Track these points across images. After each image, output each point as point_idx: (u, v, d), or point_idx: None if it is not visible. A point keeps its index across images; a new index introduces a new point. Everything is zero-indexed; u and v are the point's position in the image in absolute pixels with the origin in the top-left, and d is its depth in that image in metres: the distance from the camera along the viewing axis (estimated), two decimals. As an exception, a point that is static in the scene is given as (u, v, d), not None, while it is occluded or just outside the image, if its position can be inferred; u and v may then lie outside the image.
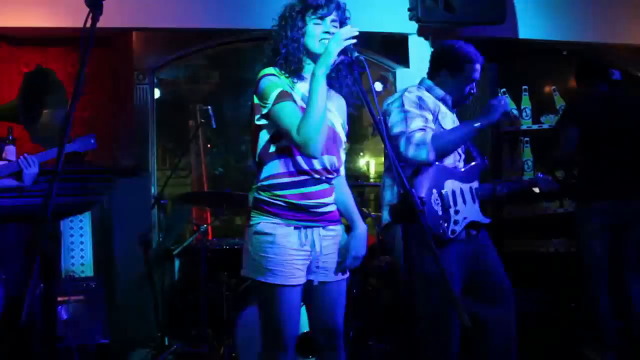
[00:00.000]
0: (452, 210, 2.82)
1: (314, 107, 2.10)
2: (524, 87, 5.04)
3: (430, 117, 2.83)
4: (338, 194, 2.36)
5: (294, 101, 2.18)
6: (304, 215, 2.22)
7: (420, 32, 4.91)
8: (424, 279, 2.66)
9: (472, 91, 2.98)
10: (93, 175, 4.32)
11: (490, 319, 2.90)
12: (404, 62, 5.04)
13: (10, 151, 4.13)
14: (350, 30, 2.11)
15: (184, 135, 6.64)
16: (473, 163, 3.00)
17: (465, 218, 2.85)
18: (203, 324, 3.77)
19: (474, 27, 4.59)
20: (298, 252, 2.21)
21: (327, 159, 2.26)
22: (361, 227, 2.37)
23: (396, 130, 2.80)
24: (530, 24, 4.93)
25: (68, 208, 4.29)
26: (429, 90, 2.96)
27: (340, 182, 2.40)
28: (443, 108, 2.93)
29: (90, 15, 1.90)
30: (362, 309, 4.05)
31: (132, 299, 4.39)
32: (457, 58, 2.93)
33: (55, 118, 4.21)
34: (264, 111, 2.18)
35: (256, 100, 2.22)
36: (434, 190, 2.82)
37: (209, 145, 7.16)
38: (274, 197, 2.21)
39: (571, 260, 4.20)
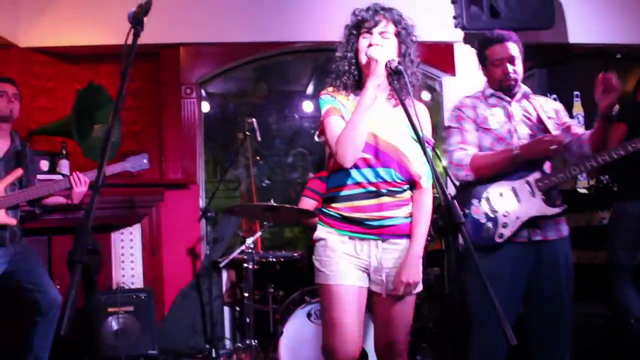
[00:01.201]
0: (499, 215, 2.71)
1: (356, 116, 2.15)
2: (575, 93, 4.89)
3: (470, 126, 2.80)
4: (414, 205, 2.31)
5: (342, 116, 2.24)
6: (358, 227, 2.25)
7: (466, 40, 4.85)
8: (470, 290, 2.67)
9: (507, 73, 2.74)
10: (142, 189, 4.43)
11: (538, 351, 2.78)
12: (450, 70, 4.97)
13: (64, 165, 4.27)
14: (386, 55, 2.15)
15: (233, 148, 6.72)
16: None
17: (517, 218, 2.69)
18: (249, 336, 3.78)
19: (522, 33, 4.48)
20: (351, 257, 2.24)
21: (382, 170, 2.22)
22: (413, 251, 2.26)
23: (445, 146, 2.89)
24: (581, 28, 4.81)
25: (118, 221, 4.40)
26: (481, 93, 2.88)
27: (417, 196, 2.33)
28: (486, 109, 2.81)
29: (132, 31, 1.92)
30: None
31: (180, 311, 4.44)
32: (479, 49, 2.87)
33: (107, 132, 4.33)
34: (321, 127, 2.31)
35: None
36: (475, 200, 2.77)
37: (257, 158, 7.24)
38: (330, 209, 2.30)
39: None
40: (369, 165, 2.22)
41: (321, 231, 2.32)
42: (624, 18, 4.89)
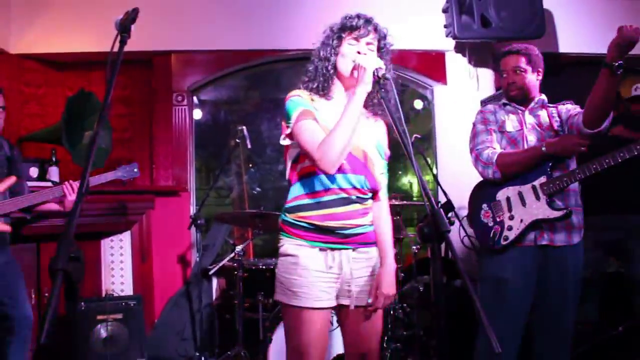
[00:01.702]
0: (505, 217, 2.81)
1: (343, 122, 2.08)
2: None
3: (494, 128, 2.94)
4: (375, 220, 2.30)
5: (315, 119, 2.16)
6: (330, 236, 2.15)
7: (457, 49, 4.87)
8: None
9: (510, 83, 2.91)
10: (132, 196, 4.41)
11: (539, 352, 2.81)
12: (442, 79, 4.99)
13: (53, 172, 4.25)
14: (378, 62, 2.11)
15: (224, 155, 6.71)
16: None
17: (521, 221, 2.76)
18: (239, 344, 3.77)
19: (511, 43, 4.52)
20: (324, 274, 2.14)
21: (354, 177, 2.18)
22: (389, 264, 2.26)
23: (469, 145, 3.00)
24: (571, 38, 4.84)
25: (108, 228, 4.38)
26: (500, 102, 3.04)
27: (378, 207, 2.32)
28: (503, 115, 2.95)
29: (119, 38, 1.92)
30: (399, 331, 3.99)
31: (170, 318, 4.42)
32: (495, 60, 3.05)
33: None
34: (288, 131, 2.17)
35: (283, 121, 2.22)
36: (484, 205, 2.91)
37: (250, 165, 7.23)
38: (298, 219, 2.17)
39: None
40: (342, 171, 2.16)
41: (289, 245, 2.17)
42: (615, 28, 4.90)
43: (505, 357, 2.71)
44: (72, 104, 4.17)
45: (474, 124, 3.02)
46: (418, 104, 6.52)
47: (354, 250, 2.20)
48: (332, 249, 2.16)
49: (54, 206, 3.32)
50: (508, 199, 2.84)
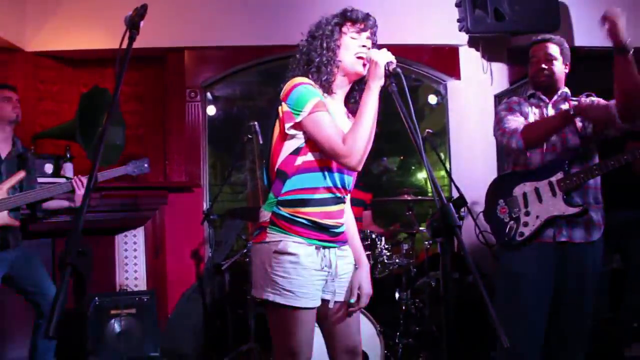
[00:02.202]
0: (521, 213, 2.80)
1: (366, 118, 2.04)
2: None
3: (521, 119, 2.88)
4: (346, 218, 2.26)
5: (329, 113, 2.08)
6: (325, 235, 2.12)
7: (471, 44, 4.83)
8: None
9: (539, 70, 2.86)
10: (146, 192, 4.44)
11: (556, 349, 2.79)
12: (455, 74, 4.95)
13: (68, 169, 4.29)
14: (389, 56, 2.08)
15: (238, 151, 6.72)
16: (558, 152, 2.81)
17: (537, 217, 2.75)
18: (251, 339, 3.78)
19: (526, 36, 4.47)
20: (319, 273, 2.10)
21: (346, 177, 2.17)
22: (366, 264, 2.31)
23: (493, 131, 2.97)
24: (587, 31, 4.78)
25: (122, 224, 4.41)
26: (524, 95, 3.01)
27: (347, 207, 2.29)
28: (527, 107, 2.91)
29: (128, 34, 1.93)
30: (412, 326, 3.97)
31: (183, 313, 4.45)
32: (527, 49, 2.97)
33: (111, 136, 4.35)
34: (298, 119, 2.04)
35: (287, 108, 2.07)
36: (500, 201, 2.89)
37: (264, 161, 7.23)
38: (297, 214, 2.07)
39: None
40: (340, 171, 2.13)
41: (288, 243, 2.05)
42: (630, 21, 4.83)
43: (527, 353, 2.69)
44: (86, 100, 4.20)
45: (497, 112, 2.99)
46: (432, 99, 6.48)
47: (339, 248, 2.19)
48: (324, 247, 2.13)
49: (64, 202, 3.36)
50: (524, 194, 2.82)
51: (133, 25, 2.01)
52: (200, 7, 4.74)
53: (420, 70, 5.08)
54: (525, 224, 2.78)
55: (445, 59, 4.95)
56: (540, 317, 2.75)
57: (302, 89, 2.06)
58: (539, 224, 2.75)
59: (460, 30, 4.62)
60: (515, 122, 2.85)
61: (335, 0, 4.57)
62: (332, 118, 2.07)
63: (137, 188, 4.35)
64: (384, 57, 2.09)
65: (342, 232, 2.21)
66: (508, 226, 2.83)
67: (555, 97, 2.91)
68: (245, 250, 3.92)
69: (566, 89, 2.94)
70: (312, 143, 2.07)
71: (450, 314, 2.67)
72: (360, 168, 2.08)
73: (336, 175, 2.13)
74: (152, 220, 4.54)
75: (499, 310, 2.73)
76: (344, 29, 2.20)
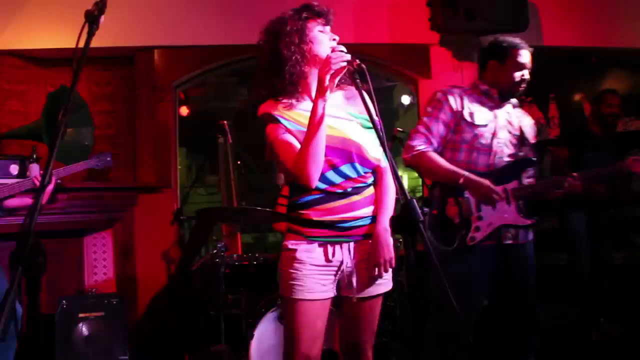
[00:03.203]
0: (473, 217, 2.74)
1: (309, 140, 2.04)
2: (550, 95, 4.91)
3: (444, 117, 2.82)
4: (375, 188, 2.24)
5: (288, 131, 2.12)
6: (329, 231, 2.16)
7: (442, 43, 4.85)
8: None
9: (524, 80, 2.84)
10: (115, 193, 4.38)
11: (506, 345, 2.82)
12: (426, 72, 4.97)
13: (34, 169, 4.20)
14: (341, 55, 2.01)
15: (213, 151, 6.67)
16: (513, 160, 2.81)
17: (490, 224, 2.73)
18: (221, 341, 3.74)
19: (496, 35, 4.51)
20: (319, 267, 2.17)
21: (345, 168, 2.15)
22: (381, 226, 2.19)
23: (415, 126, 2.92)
24: (555, 31, 4.83)
25: (91, 225, 4.34)
26: (472, 87, 2.93)
27: (381, 176, 2.25)
28: (474, 103, 2.83)
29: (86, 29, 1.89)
30: (384, 325, 3.96)
31: (153, 315, 4.39)
32: (503, 47, 2.89)
33: (79, 136, 4.28)
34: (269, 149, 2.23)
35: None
36: (450, 200, 2.78)
37: (238, 163, 7.19)
38: (299, 215, 2.19)
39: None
40: (333, 166, 2.13)
41: (290, 240, 2.22)
42: (598, 21, 4.92)
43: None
44: (52, 100, 4.13)
45: (428, 104, 2.91)
46: (406, 100, 6.51)
47: (357, 242, 2.20)
48: (332, 243, 2.18)
49: (27, 200, 3.27)
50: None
51: (93, 19, 1.97)
52: (170, 6, 4.69)
53: (392, 69, 5.09)
54: (477, 229, 2.74)
55: (416, 57, 4.96)
56: (476, 314, 2.78)
57: (262, 120, 2.17)
58: (490, 230, 2.74)
59: (431, 29, 4.63)
60: (424, 135, 2.82)
61: (306, -1, 4.66)
62: (284, 140, 2.12)
63: (105, 189, 4.29)
64: (345, 59, 2.02)
65: (362, 226, 2.19)
66: (457, 228, 2.76)
67: (509, 101, 2.89)
68: (215, 251, 3.88)
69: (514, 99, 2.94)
70: None
71: (418, 309, 2.67)
72: (313, 185, 2.10)
73: (330, 174, 2.13)
74: (121, 222, 4.48)
75: (434, 308, 2.79)
76: (311, 24, 2.17)
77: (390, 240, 2.21)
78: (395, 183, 1.86)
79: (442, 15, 4.53)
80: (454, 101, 2.83)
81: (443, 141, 2.84)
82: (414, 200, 1.83)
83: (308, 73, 2.18)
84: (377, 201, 2.24)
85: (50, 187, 3.09)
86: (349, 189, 2.16)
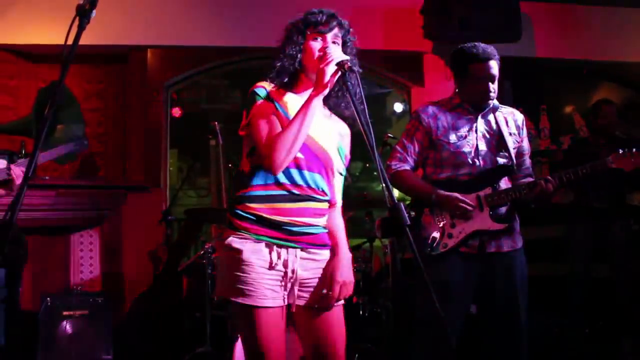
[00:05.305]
0: (446, 224, 2.74)
1: (295, 124, 2.02)
2: (542, 106, 4.94)
3: (420, 137, 2.83)
4: (329, 222, 2.19)
5: (274, 114, 2.09)
6: (277, 232, 2.06)
7: (435, 51, 4.87)
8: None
9: (488, 91, 2.72)
10: (104, 191, 4.36)
11: (492, 353, 2.80)
12: (419, 80, 4.99)
13: (23, 165, 4.17)
14: (341, 56, 2.04)
15: (205, 153, 6.66)
16: (488, 167, 2.77)
17: (461, 231, 2.72)
18: (206, 342, 3.72)
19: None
20: (268, 271, 2.05)
21: (309, 175, 2.10)
22: (343, 252, 2.17)
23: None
24: (547, 42, 4.86)
25: (78, 222, 4.31)
26: (448, 102, 2.87)
27: (334, 214, 2.23)
28: (449, 120, 2.79)
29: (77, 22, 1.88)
30: (370, 331, 3.96)
31: (139, 315, 4.36)
32: (460, 61, 2.80)
33: (69, 132, 4.26)
34: (245, 122, 2.12)
35: (245, 112, 2.14)
36: (426, 209, 2.81)
37: (229, 164, 7.17)
38: (246, 210, 2.07)
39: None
40: (298, 167, 2.08)
41: (234, 239, 2.05)
42: (591, 34, 4.96)
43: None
44: (43, 95, 4.11)
45: (408, 124, 2.92)
46: (398, 107, 6.52)
47: (302, 249, 2.11)
48: (279, 246, 2.07)
49: (0, 191, 3.20)
50: None
51: (83, 13, 1.96)
52: (165, 6, 4.69)
53: (385, 76, 5.10)
54: (450, 236, 2.73)
55: (409, 65, 4.98)
56: (459, 325, 2.74)
57: (252, 94, 2.13)
58: (462, 236, 2.73)
59: (424, 37, 4.65)
60: (400, 154, 2.86)
61: (305, 2, 4.65)
62: (268, 120, 2.07)
63: (94, 187, 4.27)
64: (335, 58, 2.03)
65: (310, 234, 2.12)
66: (431, 236, 2.76)
67: (485, 110, 2.81)
68: (202, 252, 3.87)
69: (495, 101, 2.83)
70: None
71: (403, 315, 2.67)
72: (277, 172, 2.03)
73: (294, 172, 2.08)
74: (109, 220, 4.45)
75: (419, 315, 2.77)
76: (308, 32, 2.17)
77: (351, 268, 2.20)
78: (383, 187, 1.85)
79: (435, 23, 4.55)
80: (426, 121, 2.81)
81: (420, 158, 2.86)
82: (401, 204, 1.84)
83: (302, 79, 2.21)
84: (336, 233, 2.22)
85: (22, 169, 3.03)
86: (305, 195, 2.11)
